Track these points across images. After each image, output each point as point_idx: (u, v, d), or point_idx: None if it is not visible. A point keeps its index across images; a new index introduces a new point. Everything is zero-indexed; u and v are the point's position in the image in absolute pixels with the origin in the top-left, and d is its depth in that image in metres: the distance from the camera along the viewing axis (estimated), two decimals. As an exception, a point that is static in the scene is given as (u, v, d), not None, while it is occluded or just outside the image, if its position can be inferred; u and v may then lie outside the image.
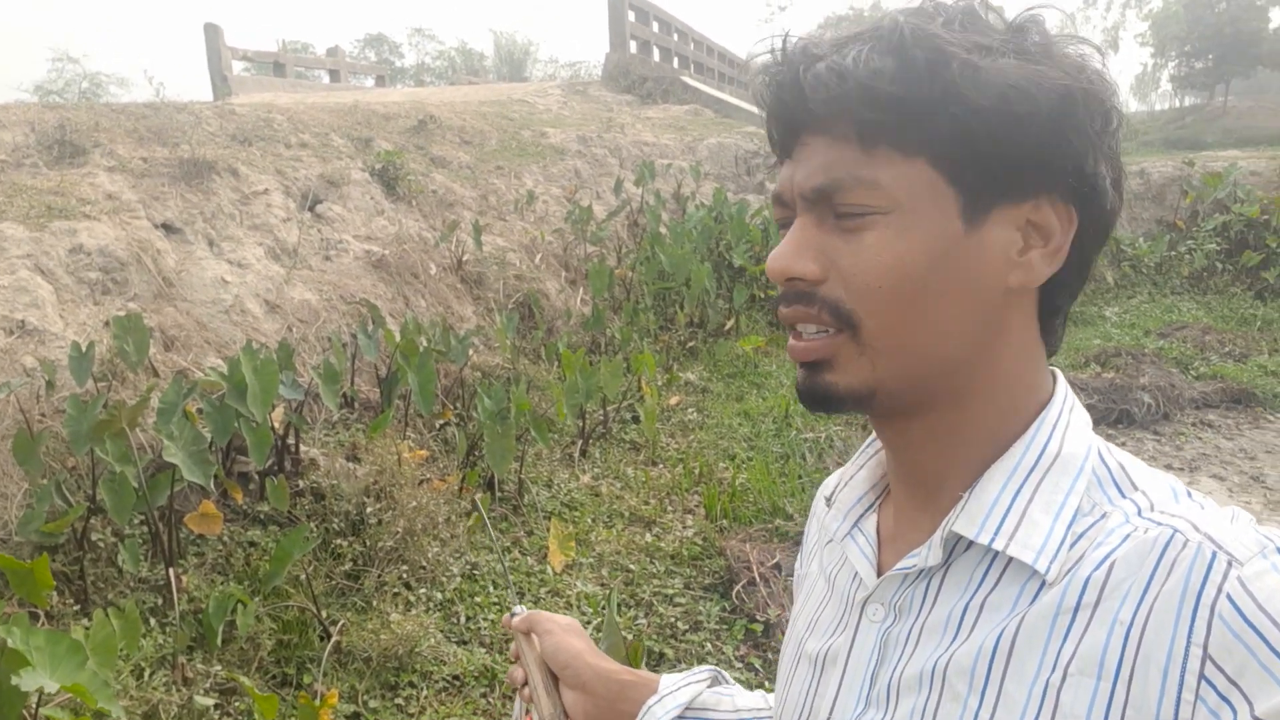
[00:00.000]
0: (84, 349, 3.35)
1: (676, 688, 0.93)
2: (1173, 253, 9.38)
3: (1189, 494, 0.62)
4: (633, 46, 14.60)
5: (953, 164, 0.60)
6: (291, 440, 3.69)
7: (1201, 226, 9.52)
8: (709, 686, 0.95)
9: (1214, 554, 0.54)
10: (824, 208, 0.63)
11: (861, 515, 0.75)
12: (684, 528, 4.13)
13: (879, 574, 0.70)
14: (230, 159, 5.62)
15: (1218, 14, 33.83)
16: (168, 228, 4.76)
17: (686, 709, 0.92)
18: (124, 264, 4.20)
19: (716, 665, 3.05)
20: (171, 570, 2.92)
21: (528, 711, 1.02)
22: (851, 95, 0.60)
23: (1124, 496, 0.62)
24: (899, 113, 0.59)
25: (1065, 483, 0.62)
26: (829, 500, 0.80)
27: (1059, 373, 0.69)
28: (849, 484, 0.78)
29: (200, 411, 3.35)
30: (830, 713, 0.70)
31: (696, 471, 4.68)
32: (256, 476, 3.55)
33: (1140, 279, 9.30)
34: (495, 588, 3.53)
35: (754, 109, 14.26)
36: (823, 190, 0.62)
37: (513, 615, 1.04)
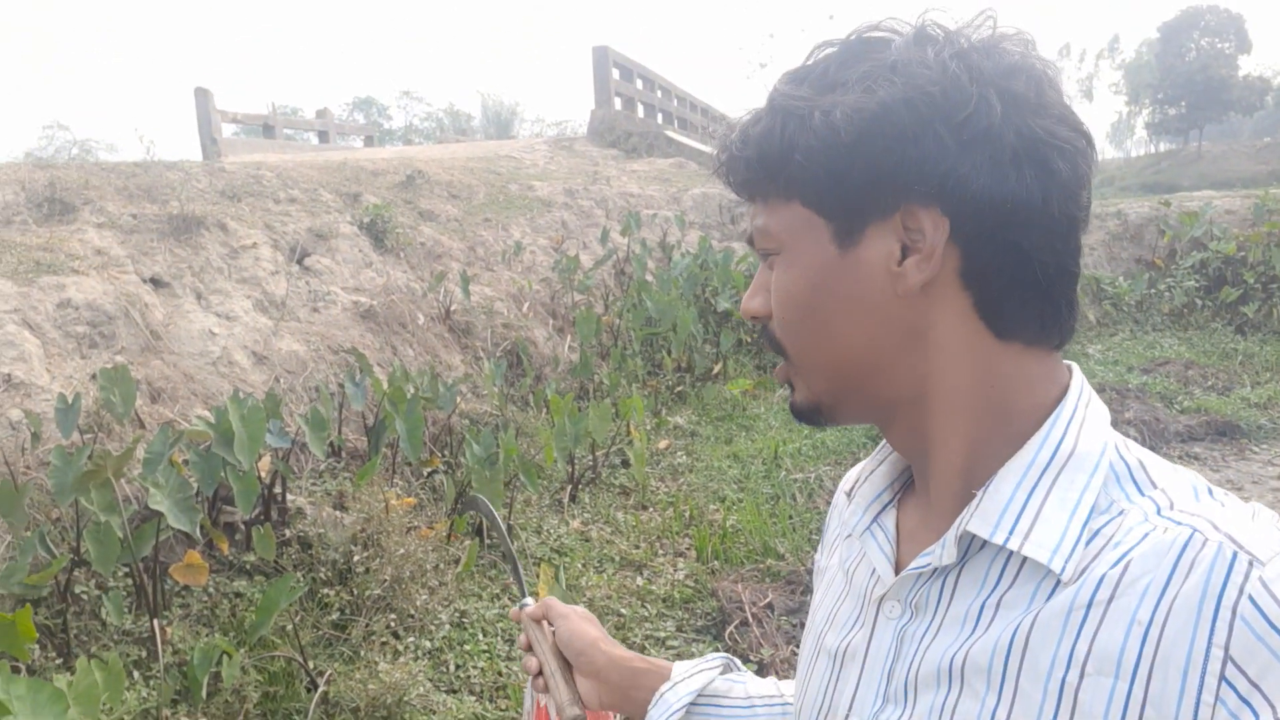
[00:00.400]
0: (70, 400, 3.35)
1: (689, 675, 0.94)
2: (1152, 290, 9.50)
3: (1210, 491, 0.61)
4: (617, 103, 14.85)
5: (816, 198, 0.67)
6: (278, 489, 3.67)
7: (1180, 264, 9.67)
8: (721, 673, 0.96)
9: (1235, 554, 0.53)
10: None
11: (881, 511, 0.76)
12: (675, 570, 4.10)
13: (897, 570, 0.71)
14: (219, 214, 5.68)
15: (1188, 62, 34.74)
16: (156, 282, 4.78)
17: (699, 696, 0.93)
18: (112, 317, 4.21)
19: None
20: (156, 622, 2.88)
21: (540, 701, 1.02)
22: (736, 166, 0.71)
23: (1142, 494, 0.61)
24: (763, 169, 0.68)
25: (1080, 480, 0.62)
26: (849, 495, 0.81)
27: (1075, 367, 0.69)
28: (869, 479, 0.78)
29: (186, 462, 3.34)
30: (849, 708, 0.70)
31: (687, 514, 4.66)
32: (243, 526, 3.52)
33: (1122, 316, 9.40)
34: (484, 635, 3.49)
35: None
36: (749, 239, 0.73)
37: (522, 606, 1.04)
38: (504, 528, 1.14)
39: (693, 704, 0.93)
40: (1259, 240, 9.26)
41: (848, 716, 0.70)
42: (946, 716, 0.62)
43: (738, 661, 0.99)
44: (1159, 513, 0.59)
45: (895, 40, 0.65)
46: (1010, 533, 0.61)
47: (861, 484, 0.78)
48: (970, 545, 0.65)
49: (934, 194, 0.62)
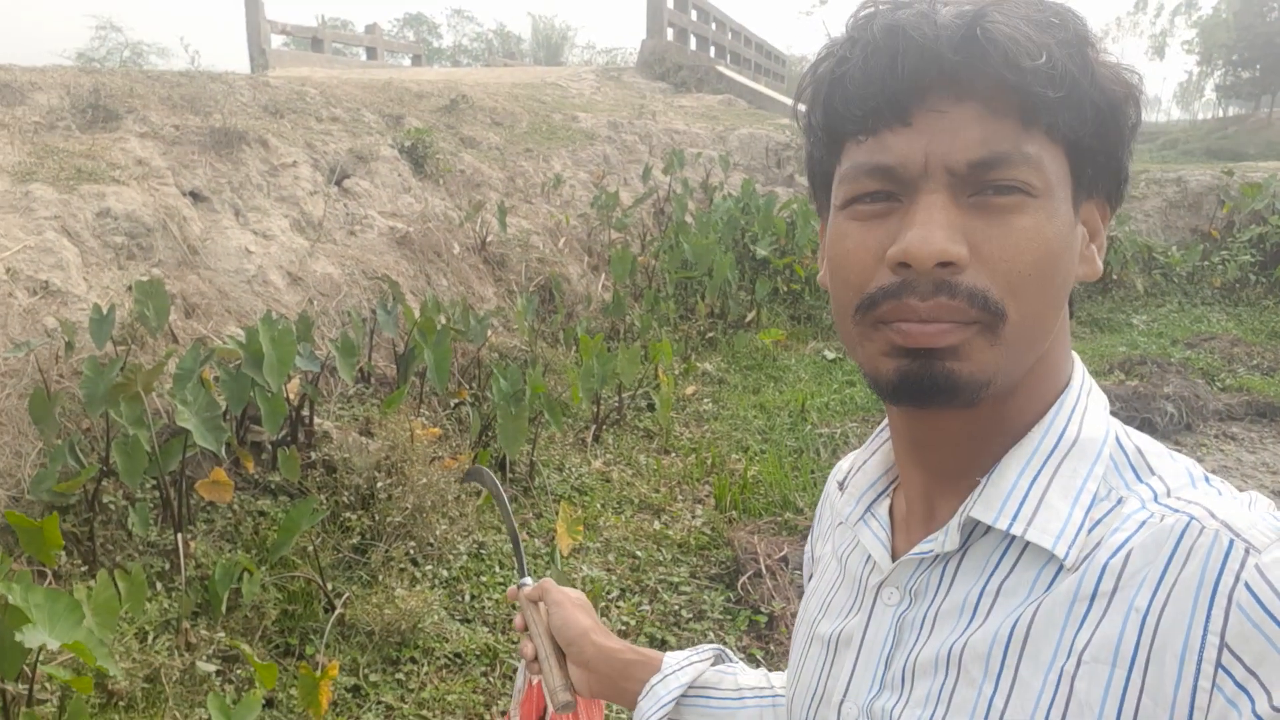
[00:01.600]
0: (105, 312, 3.38)
1: (679, 666, 0.93)
2: (1205, 263, 9.21)
3: (1206, 478, 0.61)
4: (670, 34, 14.52)
5: (1078, 153, 0.59)
6: (305, 412, 3.71)
7: (1237, 237, 9.34)
8: (712, 665, 0.96)
9: (1231, 541, 0.53)
10: (966, 186, 0.57)
11: (875, 500, 0.75)
12: (693, 517, 4.12)
13: (893, 558, 0.70)
14: (261, 130, 5.66)
15: (1268, 24, 33.17)
16: (195, 195, 4.79)
17: (689, 688, 0.92)
18: (150, 230, 4.23)
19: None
20: (180, 535, 2.95)
21: (533, 680, 1.02)
22: (1042, 68, 0.55)
23: (1140, 481, 0.61)
24: (1061, 93, 0.56)
25: (1084, 468, 0.62)
26: (841, 485, 0.80)
27: (1075, 355, 0.69)
28: (862, 469, 0.77)
29: (216, 379, 3.38)
30: (844, 695, 0.70)
31: (709, 462, 4.66)
32: (269, 446, 3.57)
33: (1171, 288, 9.14)
34: (502, 567, 3.54)
35: (789, 100, 14.19)
36: (982, 165, 0.57)
37: (520, 586, 1.04)
38: (505, 501, 1.12)
39: (683, 696, 0.92)
40: (1323, 217, 8.92)
41: (842, 703, 0.70)
42: (943, 704, 0.61)
43: (729, 652, 0.99)
44: (1156, 499, 0.59)
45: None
46: (1014, 518, 0.60)
47: (854, 474, 0.78)
48: (973, 532, 0.64)
49: (1117, 192, 0.64)
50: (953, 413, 0.62)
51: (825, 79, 0.61)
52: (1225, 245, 9.35)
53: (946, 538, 0.64)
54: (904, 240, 0.57)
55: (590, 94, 11.69)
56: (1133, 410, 5.89)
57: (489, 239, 6.25)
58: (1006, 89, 0.56)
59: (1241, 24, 34.03)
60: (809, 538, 0.90)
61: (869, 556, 0.72)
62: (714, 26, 16.20)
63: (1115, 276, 8.85)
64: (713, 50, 16.05)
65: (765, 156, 10.49)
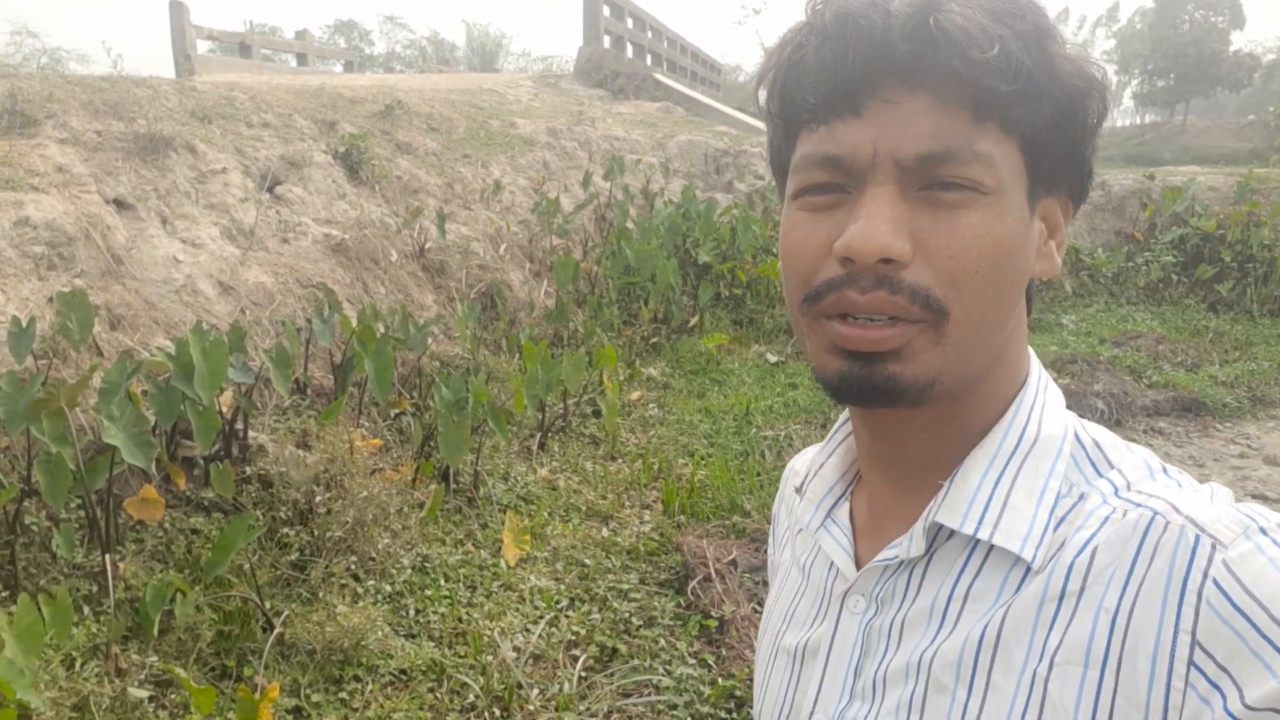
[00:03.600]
0: (24, 325, 3.23)
1: None
2: (1130, 264, 9.52)
3: (1164, 469, 0.61)
4: (606, 41, 14.52)
5: (1036, 149, 0.58)
6: (240, 425, 3.59)
7: (1159, 239, 9.68)
8: None
9: (1197, 537, 0.53)
10: (915, 179, 0.56)
11: (834, 505, 0.73)
12: (641, 523, 4.09)
13: (857, 565, 0.68)
14: (189, 136, 5.48)
15: (1181, 34, 34.55)
16: (120, 203, 4.62)
17: None
18: (72, 239, 4.06)
19: (670, 661, 3.00)
20: (108, 556, 2.82)
21: None
22: (994, 61, 0.53)
23: (1100, 475, 0.60)
24: (1015, 86, 0.54)
25: (1045, 466, 0.61)
26: (799, 490, 0.77)
27: (1031, 351, 0.68)
28: (819, 473, 0.75)
29: (145, 393, 3.24)
30: (814, 707, 0.68)
31: (656, 467, 4.64)
32: (201, 462, 3.45)
33: (1098, 288, 9.43)
34: (446, 580, 3.46)
35: (726, 109, 14.31)
36: (931, 159, 0.55)
37: None
38: None
39: None
40: (1239, 219, 9.28)
41: (812, 714, 0.68)
42: (916, 712, 0.60)
43: None
44: (1117, 493, 0.58)
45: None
46: (980, 523, 0.60)
47: (812, 479, 0.75)
48: (938, 536, 0.63)
49: (1080, 186, 0.62)
50: (907, 412, 0.61)
51: (782, 66, 0.60)
52: (1148, 247, 9.68)
53: (911, 544, 0.63)
54: (848, 234, 0.56)
55: (528, 100, 11.62)
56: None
57: (428, 246, 6.15)
58: (959, 81, 0.54)
59: (1156, 35, 35.40)
60: (769, 543, 0.88)
61: (832, 564, 0.70)
62: (650, 35, 16.26)
63: (1045, 279, 9.11)
64: (649, 58, 16.09)
65: (705, 163, 10.54)
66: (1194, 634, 0.51)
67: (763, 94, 0.63)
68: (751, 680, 2.95)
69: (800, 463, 0.81)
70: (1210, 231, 9.32)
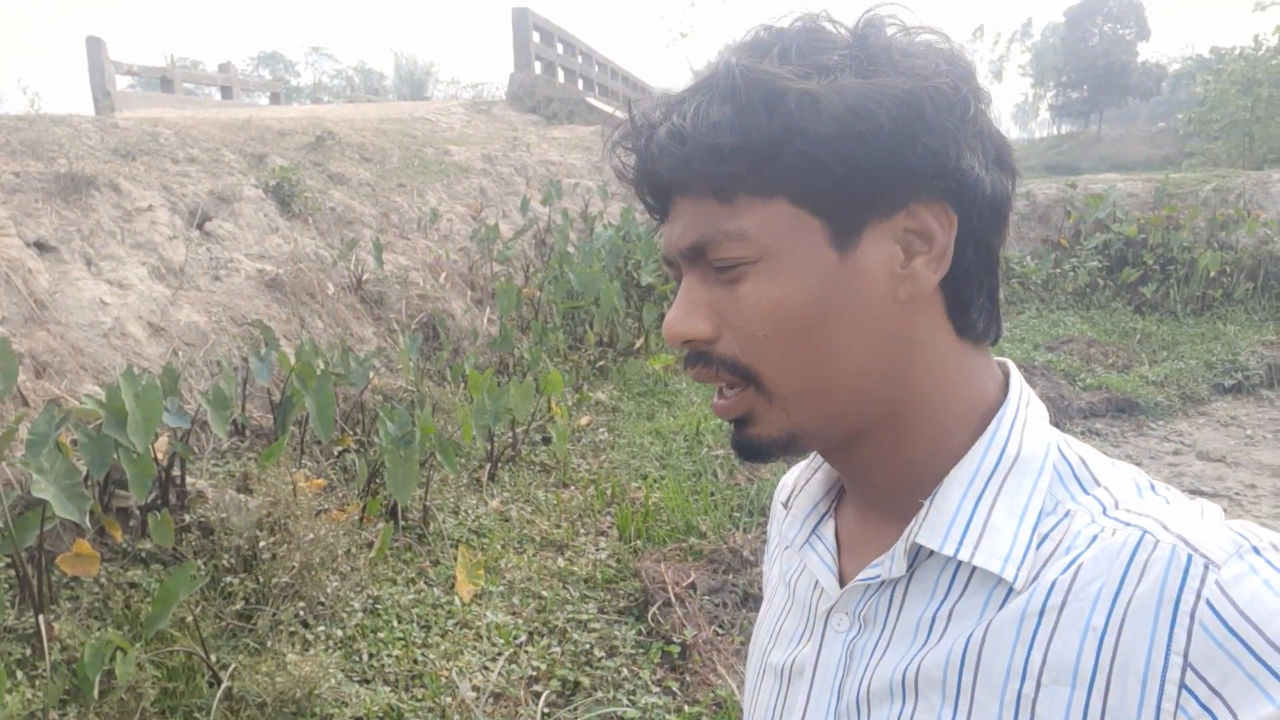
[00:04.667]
0: (-59, 377, 3.07)
1: None
2: (1058, 270, 9.81)
3: (1152, 487, 0.60)
4: (538, 67, 14.54)
5: (811, 196, 0.59)
6: (176, 472, 3.46)
7: (1084, 245, 9.99)
8: None
9: (1189, 557, 0.52)
10: (703, 264, 0.62)
11: (819, 522, 0.73)
12: (597, 550, 4.04)
13: (841, 582, 0.68)
14: (112, 174, 5.31)
15: (1091, 47, 35.94)
16: (41, 246, 4.45)
17: None
18: (-11, 285, 3.89)
19: (634, 691, 2.95)
20: (41, 617, 2.67)
21: None
22: (694, 155, 0.59)
23: (1086, 493, 0.60)
24: (745, 160, 0.58)
25: (1027, 484, 0.60)
26: (786, 505, 0.78)
27: (1011, 365, 0.68)
28: (804, 490, 0.75)
29: (75, 443, 3.11)
30: None
31: (609, 492, 4.60)
32: (138, 512, 3.31)
33: (1029, 295, 9.68)
34: (399, 621, 3.37)
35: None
36: (696, 248, 0.61)
37: None
38: None
39: None
40: (1159, 223, 9.63)
41: None
42: None
43: None
44: (1105, 512, 0.58)
45: (862, 31, 0.60)
46: (960, 543, 0.60)
47: (797, 494, 0.76)
48: (919, 555, 0.63)
49: (946, 191, 0.60)
50: (843, 450, 0.65)
51: None
52: (1074, 253, 9.99)
53: (893, 564, 0.63)
54: (664, 324, 0.64)
55: (461, 127, 11.55)
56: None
57: (365, 277, 6.05)
58: (690, 177, 0.60)
59: (1068, 48, 36.76)
60: (764, 559, 0.88)
61: (817, 581, 0.70)
62: (581, 60, 16.33)
63: (990, 284, 9.36)
64: (581, 83, 16.16)
65: (641, 185, 10.59)
66: (1186, 656, 0.50)
67: None
68: (717, 705, 2.92)
69: (790, 477, 0.82)
70: (1132, 236, 9.66)
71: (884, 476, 0.66)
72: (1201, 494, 5.04)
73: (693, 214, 0.61)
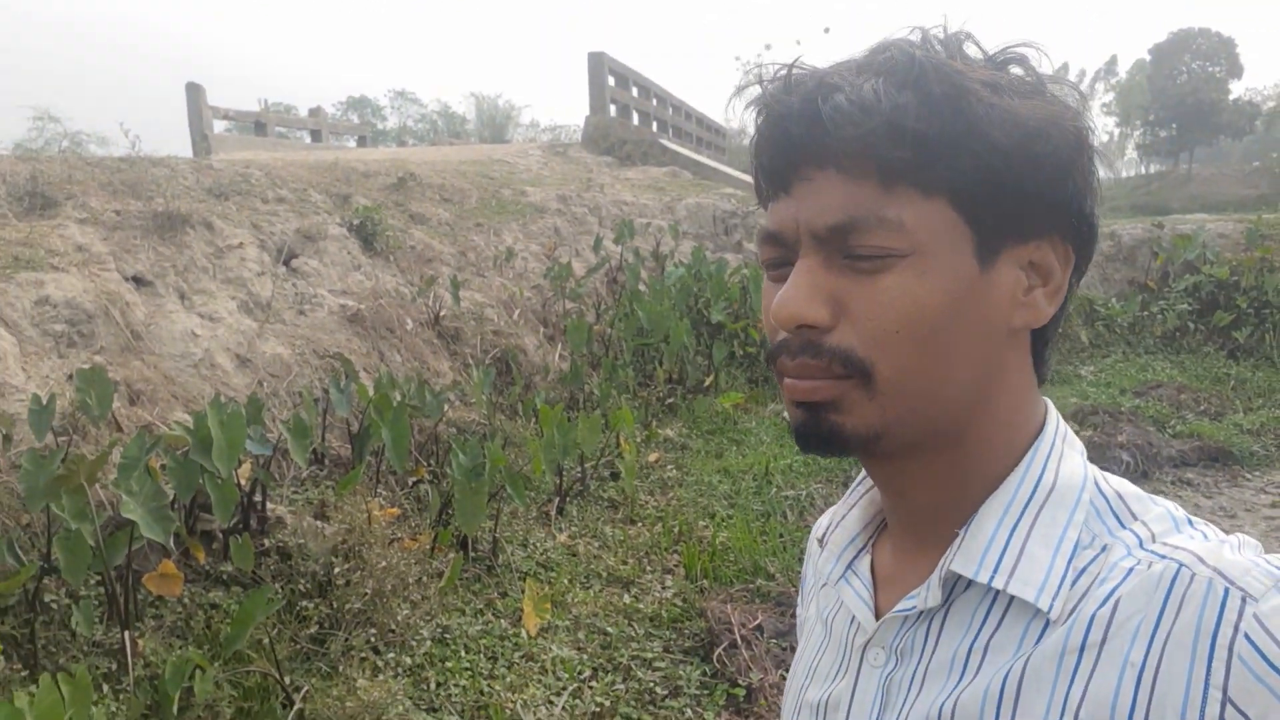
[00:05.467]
0: (44, 402, 3.24)
1: None
2: (1145, 313, 9.49)
3: (1189, 521, 0.60)
4: (612, 110, 14.80)
5: (972, 203, 0.58)
6: (258, 498, 3.57)
7: (1173, 287, 9.65)
8: None
9: (1226, 590, 0.52)
10: (834, 248, 0.59)
11: (855, 557, 0.73)
12: (663, 588, 4.02)
13: (877, 616, 0.68)
14: (205, 212, 5.58)
15: (1179, 85, 35.00)
16: (138, 280, 4.68)
17: None
18: (91, 316, 4.11)
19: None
20: (127, 633, 2.78)
21: None
22: (878, 131, 0.57)
23: (1124, 527, 0.60)
24: (923, 150, 0.57)
25: (1063, 515, 0.60)
26: (821, 542, 0.77)
27: (1050, 403, 0.68)
28: (841, 525, 0.75)
29: (163, 467, 3.24)
30: None
31: (676, 530, 4.58)
32: (220, 535, 3.42)
33: (1114, 338, 9.38)
34: (467, 651, 3.40)
35: (732, 171, 14.51)
36: (840, 229, 0.58)
37: None
38: None
39: None
40: (1252, 265, 9.26)
41: None
42: None
43: None
44: (1141, 546, 0.58)
45: (1003, 58, 0.61)
46: (995, 571, 0.59)
47: (834, 530, 0.75)
48: (955, 586, 0.63)
49: (1073, 230, 0.62)
50: (902, 464, 0.64)
51: (751, 148, 0.66)
52: (1162, 295, 9.65)
53: (929, 593, 0.62)
54: (774, 302, 0.61)
55: (538, 169, 11.81)
56: (1090, 460, 5.97)
57: (442, 313, 6.19)
58: (860, 153, 0.58)
59: (1155, 87, 35.86)
60: (799, 598, 0.88)
61: (853, 617, 0.70)
62: (655, 102, 16.57)
63: (1060, 330, 9.08)
64: (655, 125, 16.38)
65: (713, 224, 10.65)
66: (1225, 690, 0.49)
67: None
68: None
69: (825, 517, 0.81)
70: (1224, 278, 9.30)
71: (928, 496, 0.65)
72: (1301, 548, 4.78)
73: (841, 192, 0.58)
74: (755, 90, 0.63)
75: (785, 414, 6.23)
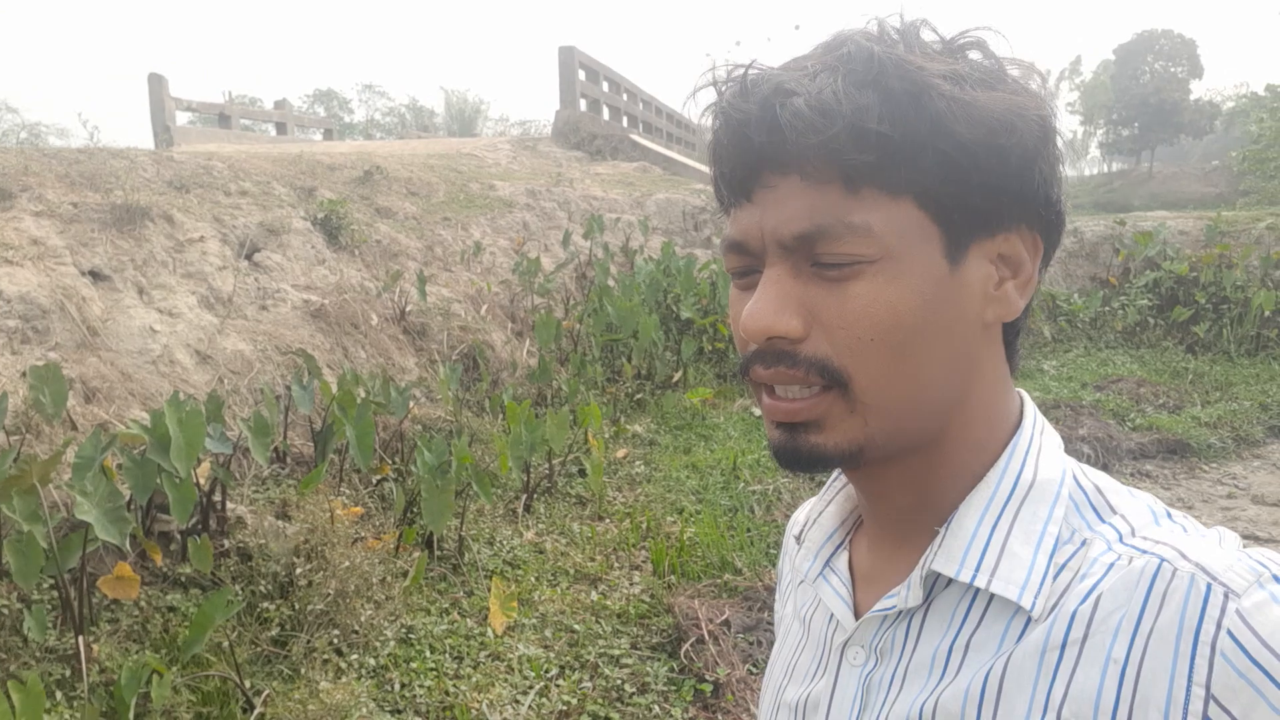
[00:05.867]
0: (-5, 400, 3.16)
1: None
2: (1106, 308, 9.63)
3: (1169, 514, 0.59)
4: (583, 105, 14.75)
5: (939, 202, 0.57)
6: (218, 497, 3.51)
7: (1134, 283, 9.81)
8: None
9: (1209, 585, 0.51)
10: (801, 256, 0.58)
11: (832, 554, 0.72)
12: (631, 585, 4.01)
13: (856, 615, 0.67)
14: (165, 205, 5.47)
15: (1142, 85, 35.54)
16: (95, 275, 4.58)
17: None
18: (46, 311, 4.01)
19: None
20: (81, 639, 2.71)
21: None
22: (840, 136, 0.55)
23: (1103, 521, 0.59)
24: (886, 152, 0.55)
25: (1043, 511, 0.60)
26: (798, 539, 0.76)
27: (1025, 395, 0.67)
28: (817, 522, 0.74)
29: (119, 467, 3.17)
30: None
31: (644, 526, 4.57)
32: (178, 536, 3.36)
33: (1076, 333, 9.51)
34: (432, 651, 3.37)
35: (702, 167, 14.50)
36: (806, 238, 0.57)
37: None
38: None
39: None
40: (1211, 261, 9.43)
41: None
42: None
43: None
44: (1121, 540, 0.57)
45: (961, 45, 0.59)
46: (977, 569, 0.59)
47: (810, 527, 0.74)
48: (935, 584, 0.62)
49: (1041, 220, 0.61)
50: (877, 470, 0.62)
51: (709, 153, 0.64)
52: (1123, 291, 9.80)
53: (909, 593, 0.62)
54: (743, 315, 0.59)
55: (507, 163, 11.73)
56: (1052, 453, 6.06)
57: (408, 309, 6.13)
58: (822, 158, 0.56)
59: (1118, 86, 36.39)
60: (776, 595, 0.87)
61: (832, 615, 0.69)
62: (625, 97, 16.53)
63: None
64: (625, 120, 16.35)
65: (683, 220, 10.64)
66: (1208, 687, 0.49)
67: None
68: (749, 746, 2.86)
69: (802, 512, 0.80)
70: (1183, 274, 9.46)
71: (908, 498, 0.64)
72: (1257, 540, 4.87)
73: (804, 200, 0.57)
74: (711, 94, 0.61)
75: (757, 414, 6.20)
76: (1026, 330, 0.67)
